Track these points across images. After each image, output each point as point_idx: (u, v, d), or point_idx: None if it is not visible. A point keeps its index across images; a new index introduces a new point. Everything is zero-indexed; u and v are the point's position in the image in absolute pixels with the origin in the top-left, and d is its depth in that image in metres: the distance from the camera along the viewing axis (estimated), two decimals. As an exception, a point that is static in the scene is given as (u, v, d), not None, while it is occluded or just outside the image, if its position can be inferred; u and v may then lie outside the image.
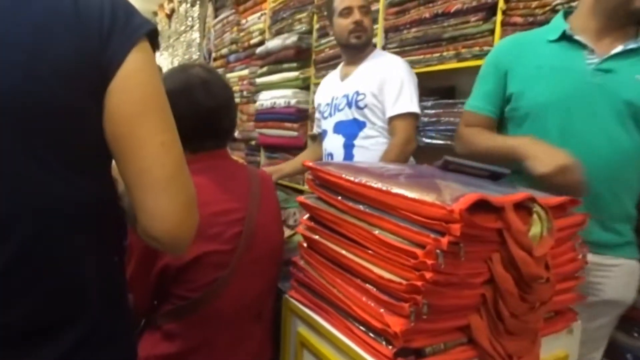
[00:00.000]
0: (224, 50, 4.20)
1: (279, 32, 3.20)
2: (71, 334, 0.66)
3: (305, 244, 1.04)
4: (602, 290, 1.17)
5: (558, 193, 0.94)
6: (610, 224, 1.17)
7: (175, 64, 5.87)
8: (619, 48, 1.13)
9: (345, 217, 0.91)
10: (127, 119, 0.64)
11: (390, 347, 0.78)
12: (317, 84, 2.87)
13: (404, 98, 1.70)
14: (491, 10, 1.82)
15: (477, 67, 1.83)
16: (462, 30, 1.90)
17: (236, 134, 3.73)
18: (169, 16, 6.37)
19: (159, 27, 6.85)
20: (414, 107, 1.71)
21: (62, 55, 0.61)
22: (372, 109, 1.75)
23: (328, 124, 1.90)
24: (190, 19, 5.45)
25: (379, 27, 2.27)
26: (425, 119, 2.03)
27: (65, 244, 0.65)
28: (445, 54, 1.98)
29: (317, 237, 0.99)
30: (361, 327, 0.85)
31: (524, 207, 0.82)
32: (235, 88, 3.80)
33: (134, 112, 0.64)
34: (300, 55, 2.93)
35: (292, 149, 3.01)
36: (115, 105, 0.64)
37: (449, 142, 1.97)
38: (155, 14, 7.12)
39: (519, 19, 1.69)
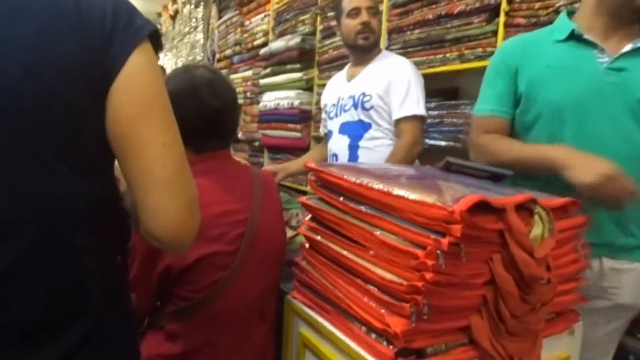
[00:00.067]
0: (228, 52, 4.22)
1: (282, 34, 3.21)
2: (72, 334, 0.66)
3: (307, 245, 1.05)
4: (617, 295, 1.16)
5: (604, 204, 0.93)
6: (629, 227, 1.15)
7: (179, 64, 5.88)
8: (628, 46, 1.11)
9: (347, 217, 0.92)
10: (129, 120, 0.64)
11: (391, 347, 0.78)
12: (320, 85, 2.88)
13: (411, 100, 1.69)
14: (494, 12, 1.82)
15: (481, 69, 1.84)
16: (465, 31, 1.91)
17: (239, 134, 3.74)
18: (173, 17, 6.39)
19: (163, 29, 6.88)
20: (421, 110, 1.70)
21: (65, 56, 0.61)
22: (378, 110, 1.75)
23: (334, 125, 1.90)
24: (194, 20, 5.48)
25: (382, 28, 2.28)
26: (429, 120, 2.03)
27: (66, 244, 0.65)
28: (448, 55, 1.98)
29: (318, 237, 1.00)
30: (362, 328, 0.85)
31: (525, 209, 0.82)
32: (239, 89, 3.82)
33: (136, 112, 0.64)
34: (303, 57, 2.94)
35: (295, 150, 3.01)
36: (118, 106, 0.64)
37: (451, 144, 1.97)
38: (159, 15, 7.15)
39: (522, 20, 1.69)
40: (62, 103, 0.61)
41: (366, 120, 1.78)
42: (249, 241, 1.07)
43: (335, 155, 1.88)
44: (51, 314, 0.65)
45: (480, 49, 1.85)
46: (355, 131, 1.80)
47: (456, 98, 2.07)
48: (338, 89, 1.94)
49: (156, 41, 0.69)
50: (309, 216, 1.05)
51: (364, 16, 1.76)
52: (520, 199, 0.81)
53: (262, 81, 3.38)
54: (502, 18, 1.77)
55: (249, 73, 3.74)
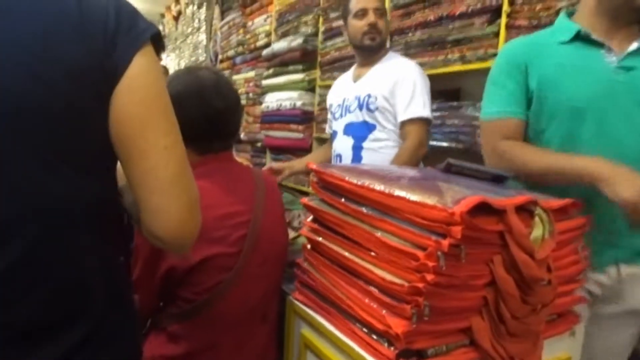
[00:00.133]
0: (230, 52, 4.23)
1: (284, 35, 3.22)
2: (73, 334, 0.66)
3: (308, 246, 1.05)
4: (634, 300, 1.16)
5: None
6: None
7: (182, 65, 5.90)
8: (634, 45, 1.11)
9: (348, 219, 0.92)
10: (133, 122, 0.65)
11: (392, 348, 0.78)
12: (322, 86, 2.89)
13: (416, 103, 1.69)
14: (496, 13, 1.82)
15: (482, 70, 1.85)
16: (466, 33, 1.91)
17: (242, 135, 3.75)
18: (176, 18, 6.41)
19: (166, 29, 6.90)
20: (426, 113, 1.70)
21: (66, 57, 0.61)
22: (382, 112, 1.75)
23: (338, 125, 1.90)
24: (197, 21, 5.50)
25: (385, 30, 2.28)
26: (431, 121, 2.03)
27: (67, 244, 0.65)
28: (450, 56, 1.99)
29: (320, 239, 1.00)
30: (364, 329, 0.86)
31: (525, 210, 0.82)
32: (241, 90, 3.83)
33: (140, 115, 0.65)
34: (305, 58, 2.94)
35: (298, 150, 3.02)
36: (121, 108, 0.65)
37: (453, 145, 1.97)
38: (162, 16, 7.17)
39: (523, 22, 1.70)
40: (63, 104, 0.61)
41: (371, 121, 1.78)
42: (252, 243, 1.07)
43: (339, 156, 1.89)
44: (51, 314, 0.65)
45: (481, 51, 1.85)
46: (360, 132, 1.80)
47: (458, 99, 2.07)
48: (344, 90, 1.94)
49: (158, 43, 0.69)
50: (311, 217, 1.05)
51: (371, 17, 1.76)
52: (521, 200, 0.81)
53: (264, 82, 3.39)
54: (503, 19, 1.77)
55: (252, 74, 3.75)
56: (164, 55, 7.13)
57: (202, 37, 5.27)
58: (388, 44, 2.26)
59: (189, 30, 5.77)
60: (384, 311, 0.81)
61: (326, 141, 2.60)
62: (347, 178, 0.93)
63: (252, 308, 1.11)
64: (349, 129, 1.85)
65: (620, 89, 1.10)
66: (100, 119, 0.65)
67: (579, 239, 0.97)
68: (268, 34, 3.50)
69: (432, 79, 1.98)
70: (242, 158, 3.67)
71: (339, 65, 2.69)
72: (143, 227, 0.69)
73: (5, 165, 0.60)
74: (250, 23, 3.79)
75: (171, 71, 4.93)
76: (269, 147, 3.44)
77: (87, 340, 0.67)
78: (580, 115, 1.12)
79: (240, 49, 4.02)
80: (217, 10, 4.75)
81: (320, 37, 2.89)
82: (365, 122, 1.79)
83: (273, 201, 1.19)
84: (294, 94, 3.00)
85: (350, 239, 0.91)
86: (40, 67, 0.60)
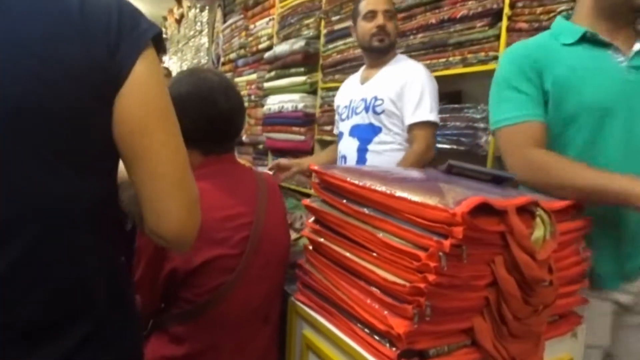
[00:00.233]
0: (233, 55, 4.24)
1: (286, 37, 3.23)
2: (73, 334, 0.66)
3: (310, 247, 1.05)
4: None
5: None
6: None
7: (184, 68, 5.91)
8: (638, 45, 1.10)
9: (350, 220, 0.92)
10: (137, 124, 0.65)
11: (394, 349, 0.78)
12: (324, 89, 2.89)
13: (424, 107, 1.69)
14: (497, 16, 1.83)
15: (483, 72, 1.85)
16: (468, 35, 1.92)
17: (244, 137, 3.76)
18: (178, 21, 6.43)
19: (169, 32, 6.91)
20: (434, 117, 1.69)
21: (68, 58, 0.61)
22: (389, 115, 1.74)
23: (345, 127, 1.90)
24: (199, 24, 5.51)
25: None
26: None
27: (67, 244, 0.65)
28: (451, 59, 1.99)
29: (322, 239, 1.00)
30: (365, 329, 0.86)
31: (527, 211, 0.82)
32: (243, 92, 3.84)
33: (144, 117, 0.65)
34: (307, 60, 2.95)
35: (299, 152, 3.02)
36: (125, 110, 0.65)
37: (454, 147, 1.98)
38: (164, 18, 7.19)
39: (524, 25, 1.70)
40: (63, 104, 0.61)
41: (377, 124, 1.77)
42: (254, 245, 1.07)
43: (344, 157, 1.89)
44: (51, 314, 0.65)
45: (482, 53, 1.86)
46: (365, 134, 1.80)
47: (459, 101, 2.07)
48: (351, 91, 1.94)
49: (159, 43, 0.69)
50: (313, 218, 1.06)
51: (380, 19, 1.76)
52: (522, 201, 0.81)
53: (266, 84, 3.40)
54: (504, 22, 1.78)
55: (254, 76, 3.76)
56: (165, 58, 7.15)
57: (204, 39, 5.28)
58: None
59: (191, 33, 5.78)
60: (385, 312, 0.81)
61: (328, 144, 2.61)
62: (348, 179, 0.93)
63: (254, 309, 1.11)
64: (355, 131, 1.85)
65: (633, 89, 1.09)
66: (101, 120, 0.65)
67: (580, 240, 0.97)
68: (270, 37, 3.51)
69: (434, 81, 1.99)
70: (244, 160, 3.66)
71: (340, 67, 2.70)
72: (146, 225, 0.69)
73: (5, 165, 0.60)
74: (252, 26, 3.81)
75: (174, 73, 4.94)
76: (271, 149, 3.45)
77: (88, 340, 0.67)
78: (603, 117, 1.09)
79: (242, 51, 4.03)
80: (219, 13, 4.77)
81: (322, 39, 2.90)
82: (371, 125, 1.79)
83: (275, 203, 1.19)
84: (295, 97, 3.01)
85: (351, 240, 0.92)
86: (41, 67, 0.60)
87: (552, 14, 1.60)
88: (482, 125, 1.88)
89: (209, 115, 1.08)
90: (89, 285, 0.68)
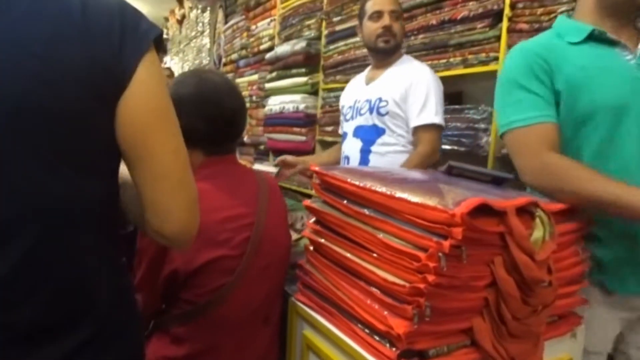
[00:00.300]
0: (234, 56, 4.25)
1: (288, 38, 3.23)
2: (74, 334, 0.66)
3: (311, 247, 1.06)
4: None
5: None
6: None
7: (186, 69, 5.92)
8: None
9: (350, 220, 0.93)
10: (141, 126, 0.66)
11: (394, 349, 0.79)
12: (325, 89, 2.90)
13: (429, 109, 1.68)
14: (497, 17, 1.83)
15: (484, 73, 1.86)
16: (468, 36, 1.92)
17: (245, 138, 3.76)
18: (180, 22, 6.44)
19: (170, 33, 6.92)
20: (439, 119, 1.68)
21: (68, 59, 0.61)
22: (393, 116, 1.73)
23: (349, 127, 1.90)
24: (200, 24, 5.52)
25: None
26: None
27: (67, 244, 0.65)
28: (452, 60, 2.00)
29: (322, 240, 1.00)
30: (365, 330, 0.86)
31: (526, 212, 0.83)
32: (245, 93, 3.84)
33: (147, 119, 0.66)
34: (309, 61, 2.96)
35: (301, 153, 3.02)
36: (128, 112, 0.65)
37: (455, 147, 1.98)
38: (166, 19, 7.20)
39: (524, 26, 1.71)
40: (63, 104, 0.61)
41: (380, 125, 1.77)
42: (255, 246, 1.08)
43: (348, 158, 1.88)
44: (53, 315, 0.65)
45: (483, 54, 1.86)
46: (369, 135, 1.80)
47: (460, 102, 2.08)
48: (356, 92, 1.93)
49: (159, 44, 0.70)
50: (313, 219, 1.06)
51: (386, 20, 1.76)
52: (521, 202, 0.81)
53: (267, 85, 3.40)
54: (505, 23, 1.78)
55: (255, 77, 3.77)
56: (167, 58, 7.16)
57: (206, 40, 5.29)
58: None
59: (193, 33, 5.79)
60: (385, 312, 0.81)
61: (329, 144, 2.62)
62: (349, 180, 0.93)
63: (255, 310, 1.11)
64: (359, 132, 1.84)
65: None
66: (102, 121, 0.65)
67: (579, 241, 0.97)
68: (271, 38, 3.52)
69: (435, 82, 1.99)
70: (245, 161, 3.68)
71: (342, 68, 2.71)
72: (148, 225, 0.70)
73: (5, 165, 0.60)
74: (253, 27, 3.81)
75: (175, 74, 4.95)
76: (272, 149, 3.45)
77: (89, 341, 0.68)
78: (619, 115, 1.06)
79: (243, 52, 4.04)
80: (220, 14, 4.77)
81: (323, 40, 2.90)
82: (374, 126, 1.78)
83: (276, 203, 1.19)
84: (297, 97, 3.02)
85: (352, 241, 0.92)
86: (41, 67, 0.59)
87: (552, 15, 1.60)
88: (482, 126, 1.88)
89: (212, 116, 1.08)
90: (89, 285, 0.68)
